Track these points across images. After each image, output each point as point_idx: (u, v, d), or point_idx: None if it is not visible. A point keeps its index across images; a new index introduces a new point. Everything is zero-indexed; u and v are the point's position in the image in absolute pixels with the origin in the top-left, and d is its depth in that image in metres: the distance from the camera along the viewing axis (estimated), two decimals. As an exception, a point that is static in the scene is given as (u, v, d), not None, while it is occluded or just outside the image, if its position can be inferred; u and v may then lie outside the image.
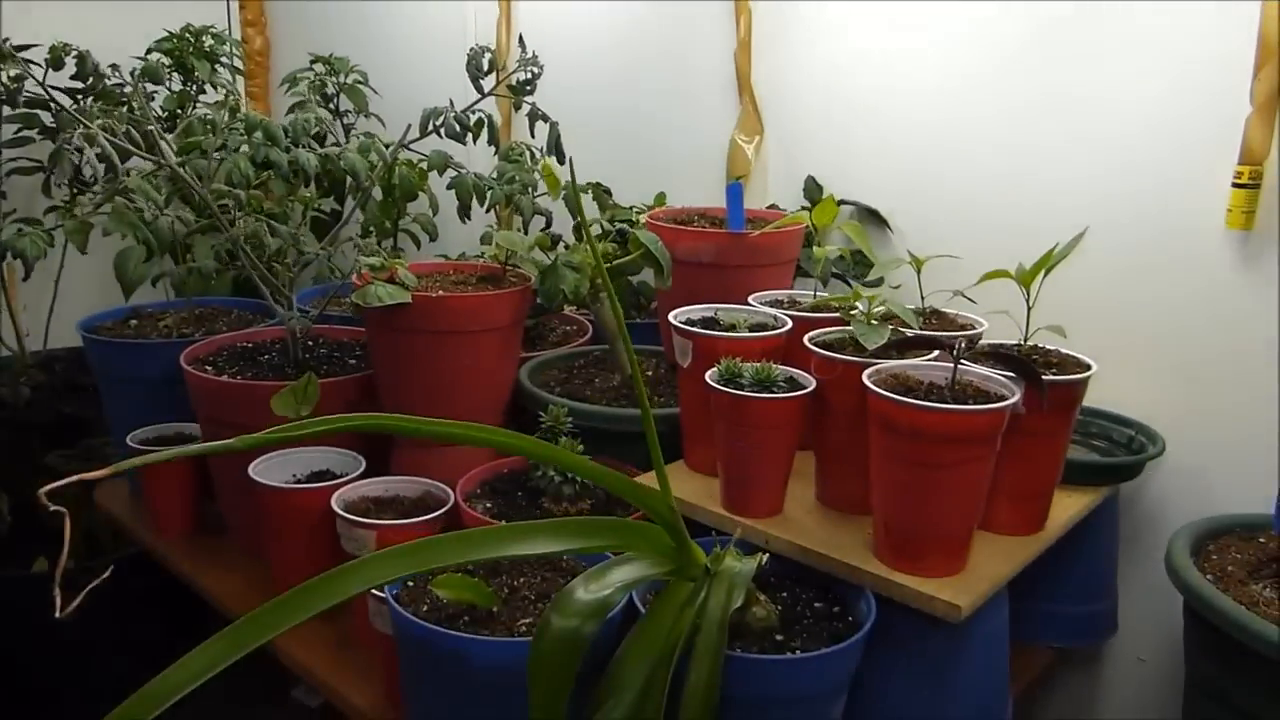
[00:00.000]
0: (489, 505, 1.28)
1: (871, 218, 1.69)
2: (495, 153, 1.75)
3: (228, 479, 1.53)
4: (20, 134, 2.34)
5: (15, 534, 1.97)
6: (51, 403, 1.99)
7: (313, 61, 2.29)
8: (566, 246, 1.37)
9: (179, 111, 2.17)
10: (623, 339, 1.47)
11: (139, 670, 2.15)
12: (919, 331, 1.16)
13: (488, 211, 1.70)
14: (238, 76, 2.43)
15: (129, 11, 2.60)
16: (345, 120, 2.38)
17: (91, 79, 1.49)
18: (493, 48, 1.54)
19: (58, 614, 0.65)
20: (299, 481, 1.42)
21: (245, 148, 1.34)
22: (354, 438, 1.47)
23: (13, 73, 1.36)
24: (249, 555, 1.53)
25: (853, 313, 1.20)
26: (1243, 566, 1.17)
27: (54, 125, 2.34)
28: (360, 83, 2.30)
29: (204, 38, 2.32)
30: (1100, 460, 1.32)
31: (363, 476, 1.38)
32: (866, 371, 1.06)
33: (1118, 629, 1.43)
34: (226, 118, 1.38)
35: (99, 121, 1.23)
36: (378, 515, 1.30)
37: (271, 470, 1.41)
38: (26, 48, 2.22)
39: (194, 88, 2.22)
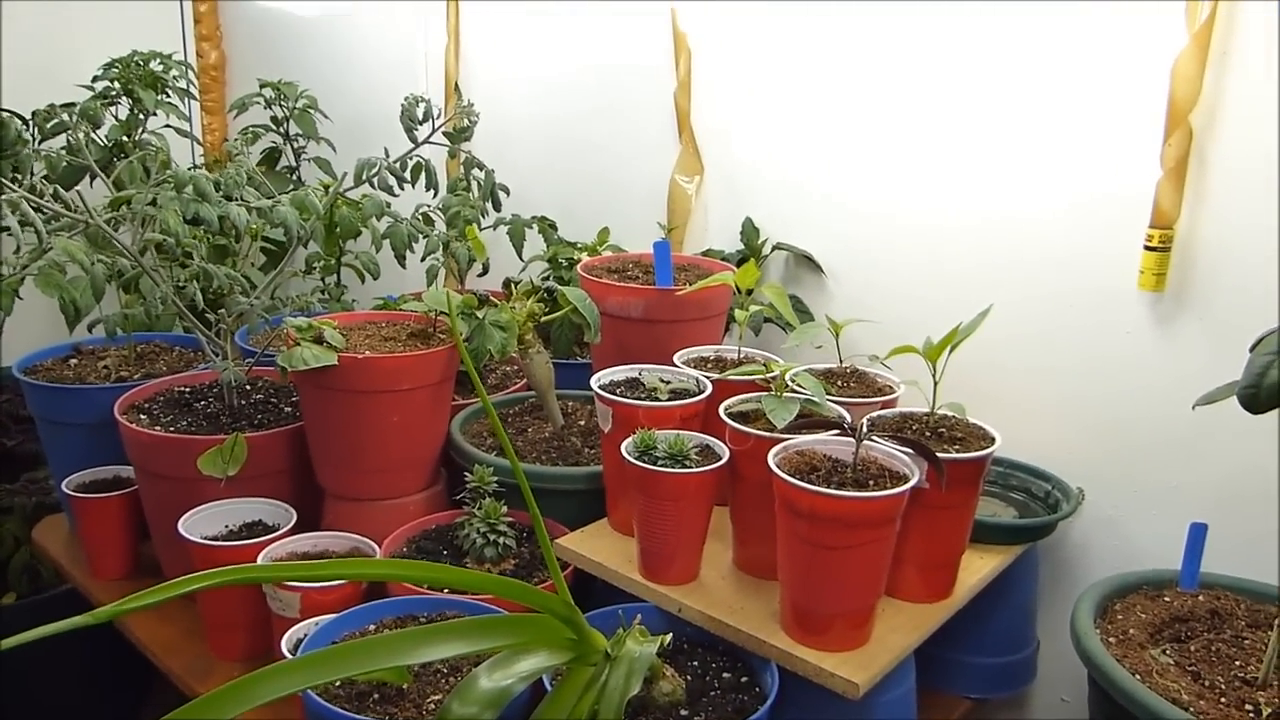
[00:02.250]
0: (413, 565, 1.29)
1: (806, 263, 1.71)
2: (434, 194, 1.76)
3: (162, 526, 1.54)
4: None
5: (-41, 567, 1.98)
6: (-6, 436, 1.99)
7: (262, 86, 2.29)
8: (494, 304, 1.38)
9: (125, 139, 2.16)
10: (550, 397, 1.49)
11: (72, 696, 2.15)
12: (825, 403, 1.18)
13: (423, 260, 1.71)
14: (189, 100, 2.42)
15: (85, 23, 2.59)
16: (296, 144, 2.38)
17: (16, 145, 1.48)
18: (426, 97, 1.54)
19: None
20: (232, 533, 1.44)
21: (175, 203, 1.34)
22: (286, 490, 1.49)
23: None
24: (183, 600, 1.54)
25: (767, 381, 1.23)
26: (1145, 629, 1.20)
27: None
28: (310, 108, 2.30)
29: (153, 62, 2.30)
30: (1011, 522, 1.35)
31: (294, 529, 1.40)
32: (772, 451, 1.08)
33: (1036, 675, 1.47)
34: (156, 172, 1.38)
35: (26, 183, 1.23)
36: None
37: (205, 521, 1.42)
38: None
39: (142, 114, 2.21)
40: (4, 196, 1.20)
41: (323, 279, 1.94)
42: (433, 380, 1.40)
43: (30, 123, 2.24)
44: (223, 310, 1.50)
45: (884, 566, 1.07)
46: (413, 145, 1.55)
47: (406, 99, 1.53)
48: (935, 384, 1.16)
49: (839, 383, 1.31)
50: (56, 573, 1.95)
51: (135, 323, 1.57)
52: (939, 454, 1.07)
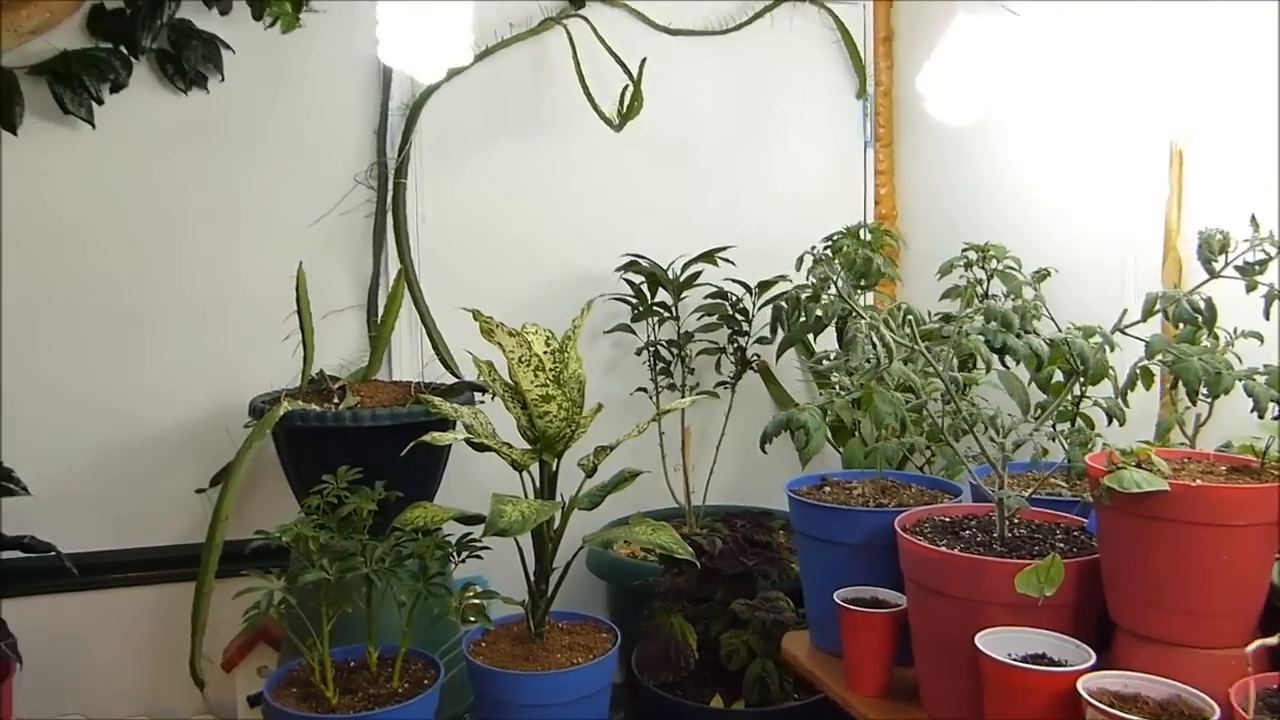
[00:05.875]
0: (1275, 723, 1.16)
1: None
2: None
3: (932, 645, 1.58)
4: (703, 321, 2.79)
5: (700, 669, 2.22)
6: (736, 555, 2.24)
7: (966, 249, 2.42)
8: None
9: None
10: None
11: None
12: None
13: (1215, 398, 1.62)
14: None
15: (794, 210, 3.03)
16: (993, 303, 2.46)
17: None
18: (1223, 230, 1.49)
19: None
20: (1015, 660, 1.42)
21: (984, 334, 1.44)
22: (1064, 624, 1.44)
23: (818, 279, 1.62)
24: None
25: None
26: None
27: (729, 314, 2.76)
28: (1012, 269, 2.37)
29: (862, 232, 2.60)
30: None
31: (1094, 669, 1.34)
32: None
33: None
34: (963, 307, 1.51)
35: (871, 312, 1.42)
36: (1124, 712, 1.24)
37: (989, 645, 1.42)
38: (725, 248, 2.67)
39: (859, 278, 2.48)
40: (864, 320, 1.38)
41: (1053, 425, 1.93)
42: (1269, 519, 1.28)
43: (753, 289, 2.66)
44: (1003, 439, 1.55)
45: None
46: (1208, 278, 1.49)
47: (1202, 232, 1.50)
48: None
49: None
50: (783, 682, 2.12)
51: (889, 456, 1.68)
52: None
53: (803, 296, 1.83)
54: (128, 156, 2.54)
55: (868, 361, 1.38)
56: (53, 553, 2.13)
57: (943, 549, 1.52)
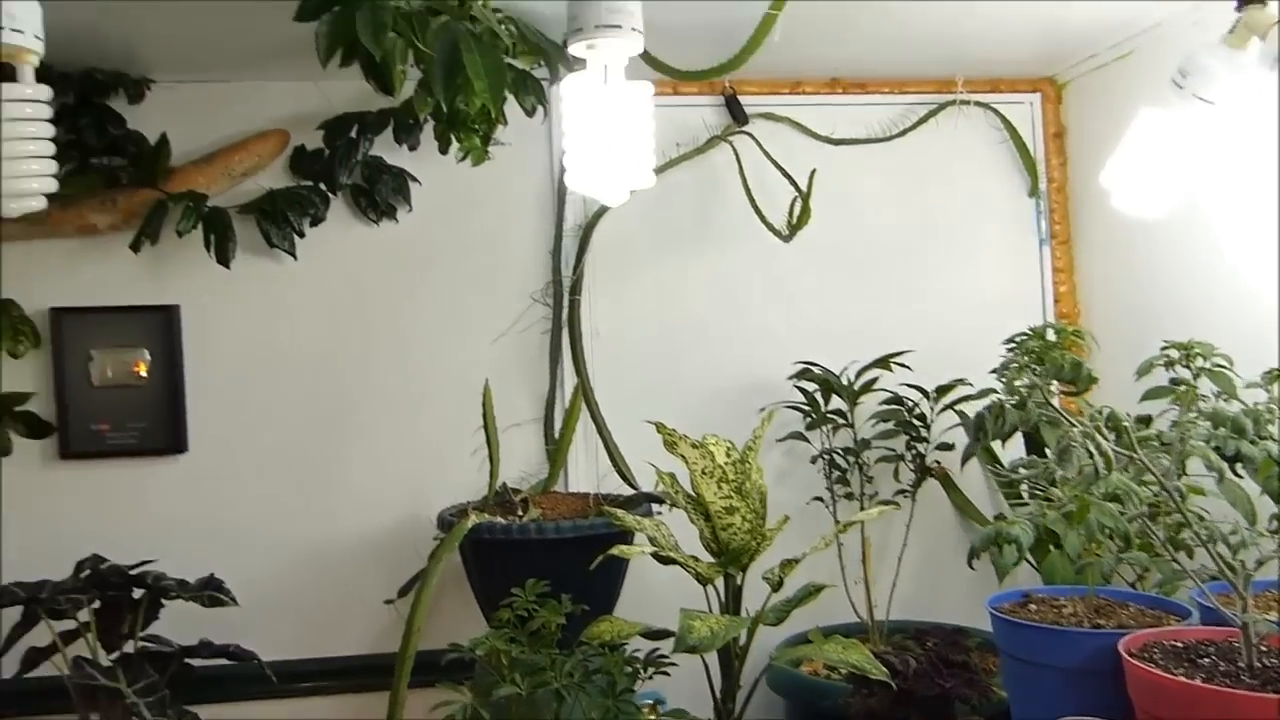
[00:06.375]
0: None
1: None
2: None
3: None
4: (879, 428, 2.72)
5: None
6: (931, 675, 2.11)
7: (1165, 347, 2.28)
8: None
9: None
10: None
11: None
12: None
13: None
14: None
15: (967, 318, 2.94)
16: (1202, 405, 2.29)
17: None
18: None
19: None
20: (1280, 810, 1.26)
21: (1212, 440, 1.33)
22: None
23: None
24: None
25: None
26: None
27: (907, 420, 2.69)
28: (1222, 367, 2.21)
29: (1048, 334, 2.49)
30: None
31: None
32: None
33: None
34: (1188, 413, 1.41)
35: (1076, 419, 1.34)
36: None
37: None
38: (900, 354, 2.62)
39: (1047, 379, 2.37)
40: (1078, 429, 1.30)
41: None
42: None
43: (930, 394, 2.58)
44: (1241, 557, 1.41)
45: None
46: None
47: None
48: None
49: None
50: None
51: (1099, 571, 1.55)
52: None
53: (1009, 404, 1.74)
54: (325, 284, 2.73)
55: (1082, 471, 1.29)
56: (255, 661, 2.21)
57: (1183, 678, 1.39)
